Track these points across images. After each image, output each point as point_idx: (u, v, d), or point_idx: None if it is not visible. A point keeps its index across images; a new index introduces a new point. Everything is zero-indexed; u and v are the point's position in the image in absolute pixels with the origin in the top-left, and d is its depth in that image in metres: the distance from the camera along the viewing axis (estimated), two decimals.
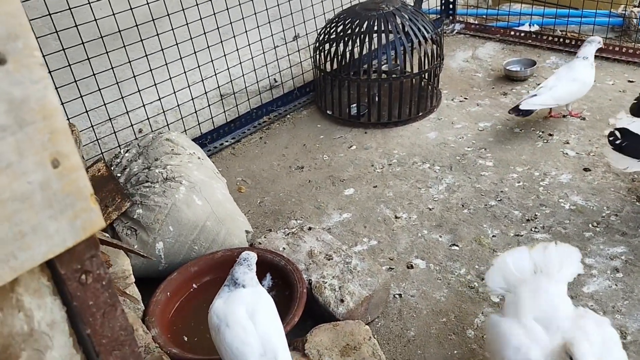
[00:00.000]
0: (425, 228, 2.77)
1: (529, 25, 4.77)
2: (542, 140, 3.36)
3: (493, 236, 2.67)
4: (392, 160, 3.32)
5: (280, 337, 1.76)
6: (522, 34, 4.68)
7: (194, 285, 2.36)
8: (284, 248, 2.44)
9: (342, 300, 2.18)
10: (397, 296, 2.40)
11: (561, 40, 4.48)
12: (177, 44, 3.24)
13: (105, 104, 3.08)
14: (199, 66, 3.40)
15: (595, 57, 4.16)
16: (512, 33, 4.72)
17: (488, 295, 2.34)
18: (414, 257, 2.60)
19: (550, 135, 3.38)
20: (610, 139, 2.58)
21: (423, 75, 3.71)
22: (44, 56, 2.70)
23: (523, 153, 3.25)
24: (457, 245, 2.64)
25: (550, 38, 4.54)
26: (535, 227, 2.68)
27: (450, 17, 5.06)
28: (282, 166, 3.39)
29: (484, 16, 5.05)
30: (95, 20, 2.88)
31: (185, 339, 2.17)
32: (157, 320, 2.13)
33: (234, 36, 3.54)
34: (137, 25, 3.04)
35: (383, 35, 3.58)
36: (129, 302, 1.99)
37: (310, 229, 2.56)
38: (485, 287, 2.01)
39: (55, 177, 0.81)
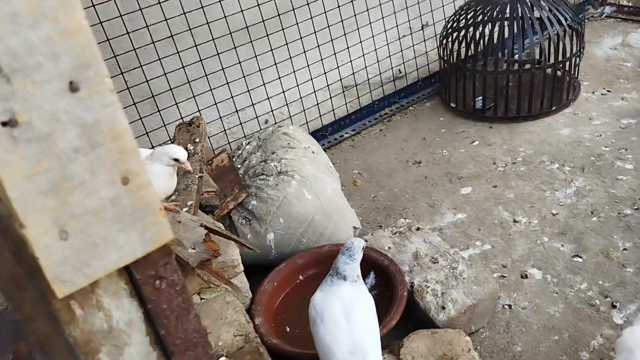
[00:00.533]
0: (546, 235, 2.58)
1: None
2: None
3: (624, 249, 2.41)
4: (517, 159, 3.12)
5: (372, 338, 1.75)
6: None
7: (301, 277, 2.44)
8: (389, 247, 2.42)
9: (443, 307, 2.12)
10: (506, 307, 2.28)
11: None
12: (301, 37, 3.32)
13: (232, 97, 3.26)
14: (322, 59, 3.45)
15: None
16: None
17: (610, 315, 2.13)
18: (529, 266, 2.44)
19: None
20: None
21: (559, 66, 3.42)
22: (178, 53, 2.94)
23: None
24: (580, 257, 2.43)
25: None
26: None
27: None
28: (399, 160, 3.35)
29: None
30: (225, 17, 3.04)
31: (288, 329, 2.25)
32: (262, 309, 2.24)
33: (358, 28, 3.54)
34: (263, 21, 3.16)
35: (515, 22, 3.35)
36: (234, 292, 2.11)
37: (418, 229, 2.51)
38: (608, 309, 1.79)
39: (125, 194, 0.88)
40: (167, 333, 1.03)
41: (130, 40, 2.83)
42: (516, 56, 3.51)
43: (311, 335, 1.92)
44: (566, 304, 2.23)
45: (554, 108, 3.43)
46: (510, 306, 2.27)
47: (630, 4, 4.52)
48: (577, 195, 2.77)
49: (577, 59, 3.46)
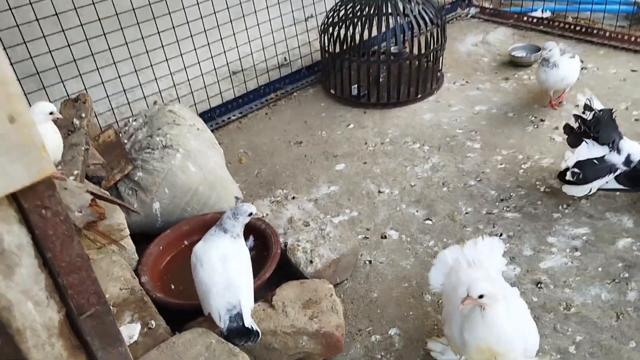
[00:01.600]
0: (404, 203, 2.97)
1: (542, 11, 4.81)
2: (532, 125, 3.48)
3: (466, 213, 2.85)
4: (385, 139, 3.51)
5: (246, 279, 2.03)
6: (535, 20, 4.74)
7: (185, 242, 2.64)
8: (267, 214, 2.68)
9: (311, 262, 2.41)
10: (367, 262, 2.62)
11: (572, 27, 4.52)
12: (187, 22, 3.48)
13: (120, 77, 3.36)
14: (208, 44, 3.64)
15: (602, 44, 4.24)
16: (525, 19, 4.79)
17: None
18: (389, 228, 2.81)
19: (542, 120, 3.50)
20: (573, 179, 2.64)
21: (424, 58, 3.85)
22: (63, 31, 2.99)
23: (512, 137, 3.38)
24: (430, 220, 2.83)
25: (561, 25, 4.59)
26: (508, 207, 2.84)
27: (466, 1, 5.14)
28: (282, 140, 3.62)
29: (499, 0, 5.11)
30: None
31: (172, 287, 2.45)
32: (148, 270, 2.41)
33: (244, 15, 3.76)
34: (150, 4, 3.29)
35: (387, 18, 3.73)
36: (121, 251, 2.27)
37: (294, 198, 2.79)
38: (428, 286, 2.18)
39: (12, 131, 1.06)
40: (54, 257, 1.23)
41: (14, 16, 2.86)
42: (389, 49, 3.90)
43: (193, 290, 2.15)
44: (416, 258, 2.61)
45: (419, 96, 3.87)
46: (370, 261, 2.62)
47: (491, 7, 5.11)
48: (432, 170, 3.19)
49: (440, 52, 3.91)
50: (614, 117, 2.69)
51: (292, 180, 3.24)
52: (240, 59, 3.88)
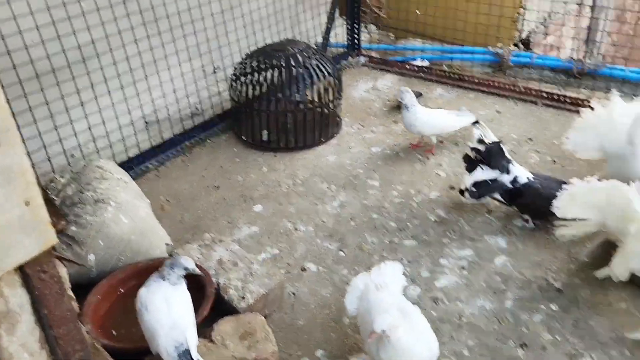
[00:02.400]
0: (319, 238, 3.35)
1: (421, 60, 5.51)
2: (420, 163, 4.04)
3: (372, 243, 3.29)
4: (297, 181, 3.90)
5: (189, 319, 2.30)
6: (416, 68, 5.41)
7: (121, 290, 2.82)
8: (197, 257, 2.95)
9: (243, 297, 2.71)
10: (291, 294, 2.96)
11: (446, 74, 5.24)
12: (105, 80, 3.69)
13: (40, 134, 3.48)
14: (125, 98, 3.85)
15: (471, 89, 4.94)
16: (407, 67, 5.45)
17: None
18: (307, 261, 3.17)
19: (428, 158, 4.07)
20: (470, 196, 3.33)
21: (325, 106, 4.32)
22: None
23: (404, 174, 3.91)
24: (343, 252, 3.24)
25: (438, 72, 5.29)
26: (406, 236, 3.32)
27: (356, 51, 5.73)
28: (201, 186, 3.89)
29: (385, 50, 5.76)
30: (32, 61, 3.29)
31: (114, 332, 2.63)
32: (89, 319, 2.58)
33: (157, 72, 4.02)
34: (69, 66, 3.47)
35: (291, 71, 4.16)
36: None
37: (221, 241, 3.08)
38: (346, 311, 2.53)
39: (28, 212, 1.31)
40: (49, 311, 1.48)
41: None
42: (292, 98, 4.32)
43: (137, 335, 2.38)
44: (334, 286, 2.99)
45: (323, 140, 4.32)
46: (294, 293, 2.96)
47: (378, 56, 5.74)
48: (340, 206, 3.62)
49: (337, 100, 4.40)
50: (502, 147, 3.32)
51: (214, 223, 3.52)
52: (155, 110, 4.12)
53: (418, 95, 4.82)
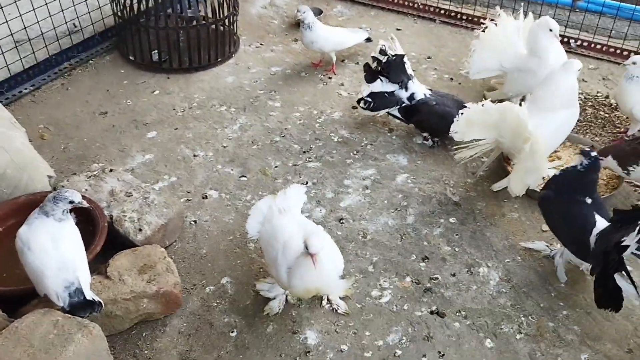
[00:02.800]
0: (219, 164, 3.20)
1: None
2: (322, 83, 3.93)
3: (275, 167, 3.19)
4: (193, 104, 3.66)
5: (80, 255, 2.11)
6: None
7: (0, 228, 2.54)
8: (86, 189, 2.70)
9: (140, 230, 2.54)
10: (192, 222, 2.83)
11: None
12: None
13: None
14: None
15: (372, 6, 4.83)
16: None
17: None
18: (208, 189, 3.03)
19: (330, 78, 3.96)
20: (365, 106, 3.34)
21: (220, 23, 4.03)
22: None
23: (306, 94, 3.79)
24: (245, 177, 3.12)
25: None
26: (310, 158, 3.26)
27: None
28: (85, 112, 3.54)
29: None
30: None
31: None
32: None
33: None
34: None
35: None
36: None
37: (111, 170, 2.84)
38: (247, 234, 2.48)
39: None
40: None
41: None
42: (185, 13, 3.99)
43: (22, 275, 2.17)
44: (237, 212, 2.89)
45: (219, 60, 4.05)
46: (195, 222, 2.83)
47: None
48: (241, 130, 3.46)
49: (234, 17, 4.12)
50: (404, 61, 3.29)
51: (103, 152, 3.24)
52: (25, 27, 3.62)
53: (318, 12, 4.65)
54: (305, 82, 3.93)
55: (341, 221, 2.86)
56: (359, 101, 3.35)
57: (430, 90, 3.36)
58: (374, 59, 3.32)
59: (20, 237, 2.08)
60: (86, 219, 2.58)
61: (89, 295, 2.05)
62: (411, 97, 3.29)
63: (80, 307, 2.03)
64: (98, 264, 2.39)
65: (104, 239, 2.46)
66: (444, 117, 3.12)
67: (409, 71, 3.33)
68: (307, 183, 3.07)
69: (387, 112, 3.38)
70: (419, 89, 3.31)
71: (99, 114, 3.53)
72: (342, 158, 3.26)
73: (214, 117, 3.55)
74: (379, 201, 2.99)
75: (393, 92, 3.29)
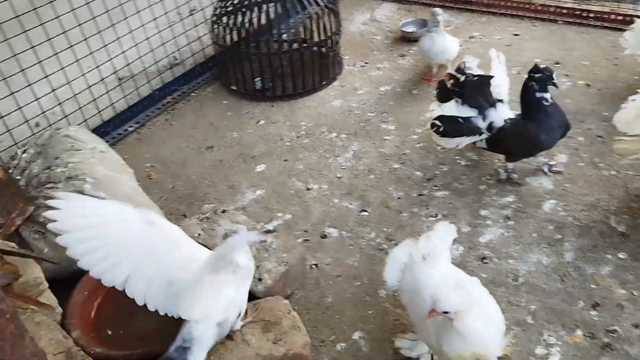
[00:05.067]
0: (335, 197, 2.89)
1: None
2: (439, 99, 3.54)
3: (398, 198, 2.84)
4: (301, 132, 3.40)
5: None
6: None
7: None
8: (199, 234, 2.48)
9: (260, 279, 2.27)
10: (313, 266, 2.52)
11: None
12: (64, 31, 3.10)
13: None
14: (91, 52, 3.27)
15: (482, 12, 4.40)
16: None
17: None
18: (327, 226, 2.72)
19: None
20: (434, 129, 2.79)
21: (323, 44, 3.77)
22: None
23: (421, 114, 3.41)
24: (366, 211, 2.79)
25: None
26: (436, 186, 2.87)
27: None
28: (191, 147, 3.38)
29: None
30: None
31: (110, 332, 2.18)
32: (77, 322, 2.13)
33: (126, 17, 3.43)
34: (17, 16, 2.87)
35: (279, 5, 3.59)
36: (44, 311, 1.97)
37: (224, 211, 2.61)
38: (385, 285, 2.14)
39: None
40: None
41: None
42: (284, 36, 3.77)
43: (135, 332, 2.03)
44: (361, 253, 2.56)
45: (324, 83, 3.79)
46: (316, 265, 2.53)
47: None
48: (355, 158, 3.15)
49: (337, 36, 3.85)
50: (487, 83, 2.75)
51: (212, 189, 3.04)
52: (128, 64, 3.55)
53: (424, 24, 4.29)
54: (419, 100, 3.56)
55: (484, 260, 2.44)
56: (432, 126, 2.81)
57: (518, 114, 2.75)
58: (451, 76, 2.80)
59: None
60: None
61: None
62: (490, 127, 2.71)
63: None
64: None
65: None
66: (522, 136, 2.66)
67: (499, 95, 2.77)
68: (436, 215, 2.69)
69: (473, 144, 2.85)
70: (498, 117, 2.71)
71: (204, 149, 3.35)
72: (474, 184, 2.85)
73: (324, 146, 3.26)
74: (525, 234, 2.55)
75: (469, 118, 2.74)
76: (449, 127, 2.75)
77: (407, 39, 4.23)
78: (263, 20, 3.61)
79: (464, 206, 2.73)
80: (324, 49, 3.84)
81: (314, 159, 3.17)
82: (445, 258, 2.03)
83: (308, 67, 3.72)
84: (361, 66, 4.01)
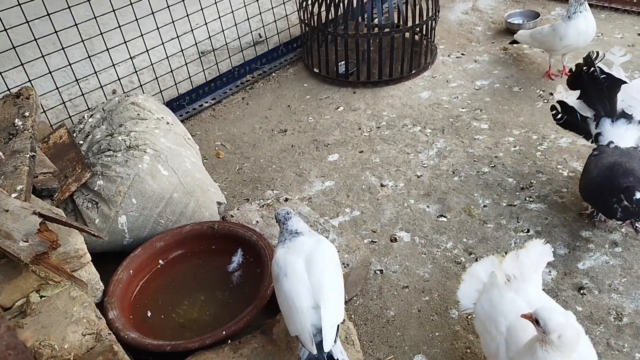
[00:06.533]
0: (412, 197, 2.59)
1: None
2: (542, 99, 3.12)
3: (484, 206, 2.49)
4: (381, 123, 3.11)
5: (329, 290, 1.63)
6: None
7: (161, 262, 2.20)
8: (257, 221, 2.27)
9: None
10: (378, 272, 2.24)
11: None
12: None
13: (70, 64, 2.86)
14: (173, 21, 3.15)
15: (601, 7, 3.90)
16: None
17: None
18: (398, 229, 2.43)
19: (551, 94, 3.14)
20: (553, 112, 2.49)
21: (417, 30, 3.44)
22: None
23: (521, 114, 3.03)
24: (445, 217, 2.46)
25: None
26: (530, 197, 2.49)
27: None
28: (264, 129, 3.19)
29: None
30: None
31: (149, 314, 2.02)
32: (117, 301, 1.98)
33: None
34: None
35: None
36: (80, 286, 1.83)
37: (286, 200, 2.38)
38: (459, 305, 1.83)
39: None
40: None
41: None
42: (375, 20, 3.49)
43: (178, 322, 1.92)
44: (434, 264, 2.24)
45: (413, 72, 3.47)
46: (382, 271, 2.24)
47: None
48: (439, 156, 2.82)
49: (433, 22, 3.51)
50: (615, 89, 2.28)
51: (279, 176, 2.82)
52: (210, 37, 3.40)
53: (535, 15, 3.85)
54: (519, 98, 3.16)
55: (581, 291, 2.05)
56: (552, 109, 2.52)
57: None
58: (587, 62, 2.36)
59: (277, 261, 1.71)
60: (254, 259, 2.14)
61: (337, 352, 1.56)
62: (596, 138, 2.30)
63: None
64: (263, 319, 1.92)
65: (271, 286, 1.98)
66: (585, 172, 2.18)
67: (626, 109, 2.27)
68: (528, 231, 2.32)
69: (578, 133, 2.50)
70: (613, 135, 2.24)
71: (277, 132, 3.14)
72: (577, 199, 2.44)
73: (406, 140, 2.96)
74: (636, 266, 2.12)
75: (586, 118, 2.35)
76: (567, 118, 2.45)
77: (512, 32, 3.80)
78: (355, 2, 3.34)
79: (562, 224, 2.34)
80: (417, 36, 3.52)
81: (392, 153, 2.87)
82: (535, 283, 1.69)
83: (397, 54, 3.41)
84: (457, 57, 3.65)
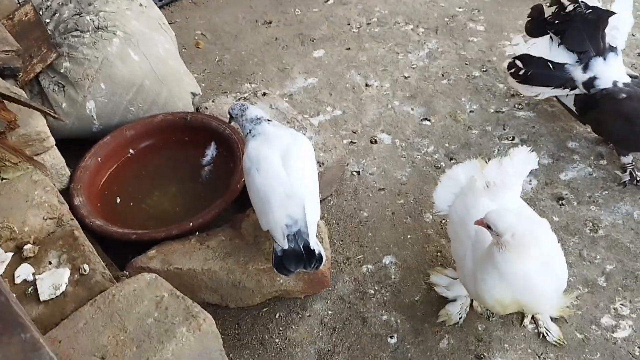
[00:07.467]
0: (397, 99, 2.48)
1: None
2: (542, 2, 2.93)
3: (471, 111, 2.39)
4: (372, 19, 2.93)
5: (309, 185, 1.62)
6: None
7: (131, 151, 2.13)
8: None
9: None
10: (355, 173, 2.18)
11: None
12: None
13: None
14: None
15: None
16: None
17: None
18: (379, 130, 2.35)
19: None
20: (512, 71, 2.16)
21: None
22: None
23: (520, 17, 2.85)
24: (429, 120, 2.37)
25: None
26: (520, 104, 2.39)
27: None
28: (247, 20, 3.00)
29: None
30: None
31: (118, 201, 1.97)
32: (83, 188, 1.93)
33: None
34: None
35: None
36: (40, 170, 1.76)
37: (264, 94, 2.27)
38: (433, 207, 1.77)
39: None
40: None
41: None
42: None
43: (148, 211, 1.90)
44: (413, 168, 2.18)
45: None
46: (358, 172, 2.19)
47: None
48: (429, 57, 2.68)
49: None
50: (603, 23, 2.05)
51: (260, 69, 2.69)
52: None
53: None
54: (520, 0, 2.97)
55: (560, 202, 2.01)
56: (510, 67, 2.19)
57: (635, 77, 2.10)
58: (556, 1, 2.12)
59: (249, 155, 1.65)
60: (227, 153, 2.07)
61: (313, 243, 1.55)
62: (589, 83, 2.04)
63: (294, 257, 1.54)
64: (234, 212, 1.88)
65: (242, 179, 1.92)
66: (632, 120, 1.92)
67: (611, 42, 2.07)
68: (513, 139, 2.24)
69: (556, 98, 2.24)
70: (609, 72, 2.02)
71: (262, 23, 2.97)
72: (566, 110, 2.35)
73: (396, 38, 2.80)
74: (619, 178, 2.07)
75: (563, 65, 2.07)
76: (535, 72, 2.11)
77: None
78: None
79: (549, 133, 2.26)
80: None
81: (381, 51, 2.73)
82: (513, 191, 1.64)
83: None
84: None
